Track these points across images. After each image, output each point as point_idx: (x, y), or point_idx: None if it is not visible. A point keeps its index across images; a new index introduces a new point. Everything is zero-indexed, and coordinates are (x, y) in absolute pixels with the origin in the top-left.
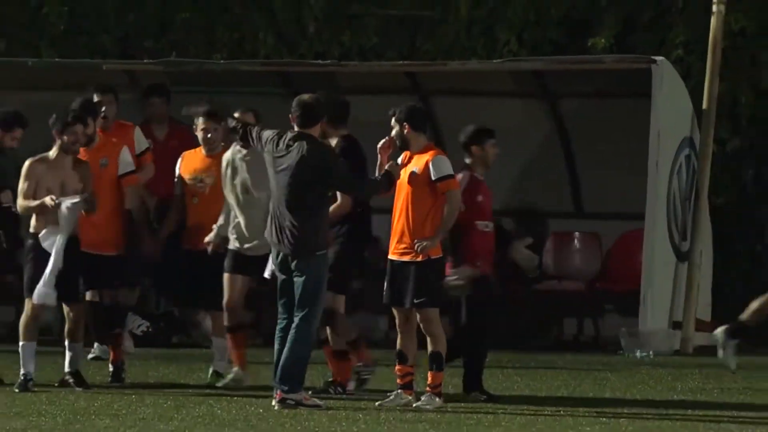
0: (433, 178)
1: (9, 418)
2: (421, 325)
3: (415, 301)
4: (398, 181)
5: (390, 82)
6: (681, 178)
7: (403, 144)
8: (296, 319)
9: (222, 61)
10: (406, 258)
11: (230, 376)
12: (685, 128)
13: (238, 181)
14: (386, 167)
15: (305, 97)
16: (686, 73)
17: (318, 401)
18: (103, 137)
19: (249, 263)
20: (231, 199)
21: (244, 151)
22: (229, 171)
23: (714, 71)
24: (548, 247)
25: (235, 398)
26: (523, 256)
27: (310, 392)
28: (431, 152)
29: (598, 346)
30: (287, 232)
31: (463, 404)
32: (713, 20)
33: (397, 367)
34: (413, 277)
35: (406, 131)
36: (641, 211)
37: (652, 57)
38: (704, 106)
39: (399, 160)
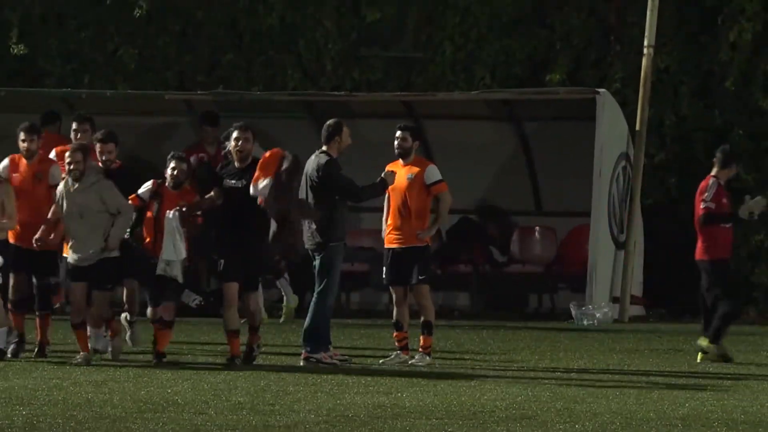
0: (427, 183)
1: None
2: (416, 299)
3: (416, 278)
4: (394, 186)
5: (391, 109)
6: (619, 183)
7: (403, 152)
8: (315, 294)
9: (259, 92)
10: (405, 245)
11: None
12: (622, 145)
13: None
14: (382, 176)
15: (329, 121)
16: (623, 102)
17: (336, 361)
18: (42, 154)
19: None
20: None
21: (77, 184)
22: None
23: (645, 100)
24: (514, 238)
25: (269, 356)
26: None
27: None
28: (425, 163)
29: (554, 316)
30: (312, 227)
31: (449, 361)
32: (644, 60)
33: (395, 334)
34: (414, 260)
35: (411, 143)
36: (588, 210)
37: (596, 89)
38: (637, 127)
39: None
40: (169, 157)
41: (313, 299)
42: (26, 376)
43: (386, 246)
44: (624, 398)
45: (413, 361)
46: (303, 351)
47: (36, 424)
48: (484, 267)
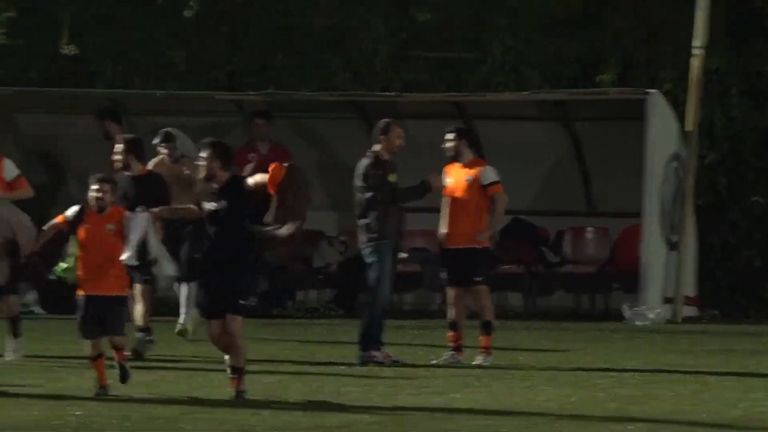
0: (483, 184)
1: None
2: (475, 299)
3: (475, 279)
4: (452, 187)
5: (440, 109)
6: (670, 184)
7: (455, 155)
8: (367, 293)
9: (308, 93)
10: (464, 246)
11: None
12: (673, 145)
13: None
14: (424, 179)
15: (380, 121)
16: (674, 102)
17: (389, 361)
18: None
19: None
20: None
21: None
22: None
23: (695, 101)
24: (567, 239)
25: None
26: None
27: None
28: (482, 164)
29: (607, 317)
30: (362, 226)
31: (502, 362)
32: (695, 61)
33: (449, 334)
34: (473, 261)
35: (460, 142)
36: (639, 210)
37: (647, 90)
38: (689, 128)
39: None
40: (91, 177)
41: (366, 299)
42: (79, 376)
43: (445, 247)
44: (677, 399)
45: (478, 362)
46: (358, 351)
47: (89, 424)
48: (536, 267)
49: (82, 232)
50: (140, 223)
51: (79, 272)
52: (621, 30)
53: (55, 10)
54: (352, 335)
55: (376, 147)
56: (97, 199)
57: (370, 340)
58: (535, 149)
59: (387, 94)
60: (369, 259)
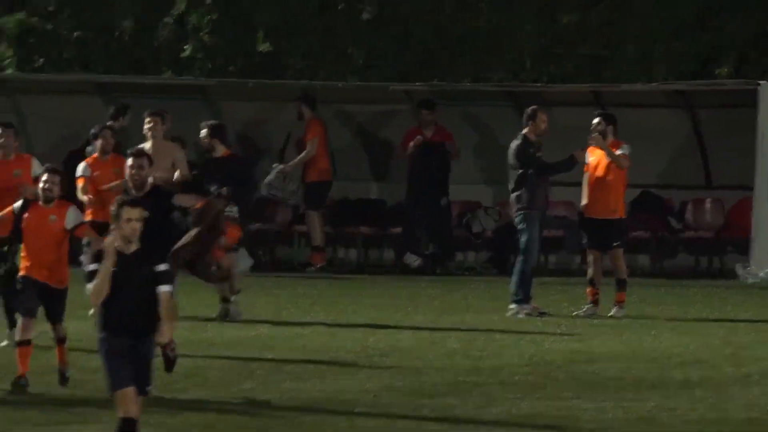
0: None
1: None
2: (611, 261)
3: (613, 243)
4: (594, 164)
5: (580, 98)
6: None
7: (600, 135)
8: (518, 255)
9: (468, 84)
10: (604, 216)
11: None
12: None
13: None
14: (573, 154)
15: (528, 108)
16: None
17: (536, 313)
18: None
19: None
20: None
21: None
22: None
23: None
24: (688, 208)
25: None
26: None
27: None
28: (619, 144)
29: (723, 275)
30: (513, 197)
31: (633, 313)
32: None
33: (588, 289)
34: (612, 228)
35: (606, 127)
36: (751, 184)
37: (758, 81)
38: None
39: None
40: (42, 169)
41: (517, 260)
42: (271, 324)
43: (587, 216)
44: None
45: (612, 313)
46: (510, 305)
47: (280, 367)
48: (662, 233)
49: (26, 221)
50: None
51: (23, 259)
52: (736, 30)
53: (252, 14)
54: (505, 291)
55: (526, 130)
56: (44, 190)
57: (520, 295)
58: (662, 133)
59: (535, 84)
60: (520, 226)
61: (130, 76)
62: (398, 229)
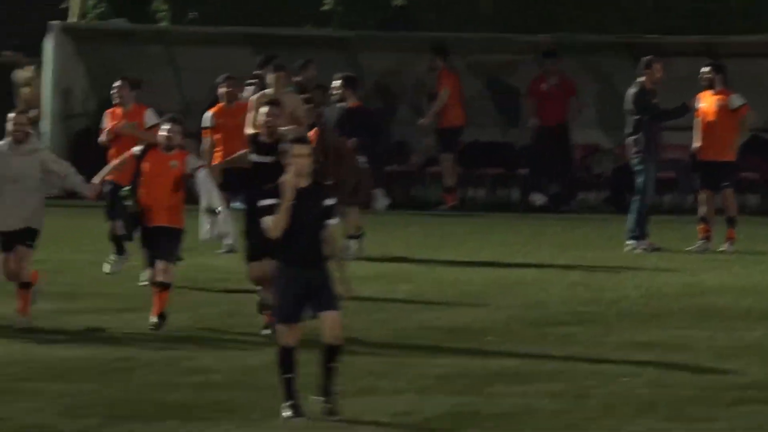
0: (732, 108)
1: None
2: (723, 200)
3: (723, 184)
4: (705, 110)
5: (693, 49)
6: None
7: (709, 84)
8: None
9: (588, 35)
10: (715, 158)
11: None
12: None
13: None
14: (685, 102)
15: (644, 57)
16: None
17: (650, 249)
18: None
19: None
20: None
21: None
22: None
23: None
24: None
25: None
26: None
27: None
28: (729, 92)
29: None
30: (629, 142)
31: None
32: None
33: (700, 227)
34: (723, 170)
35: (715, 75)
36: None
37: None
38: None
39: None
40: (163, 118)
41: (633, 199)
42: (405, 259)
43: (699, 158)
44: None
45: (723, 248)
46: (627, 241)
47: (417, 299)
48: None
49: (146, 166)
50: (203, 179)
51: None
52: None
53: None
54: (622, 229)
55: (641, 78)
56: (166, 138)
57: (636, 232)
58: None
59: (651, 36)
60: (636, 168)
61: (277, 28)
62: (524, 171)
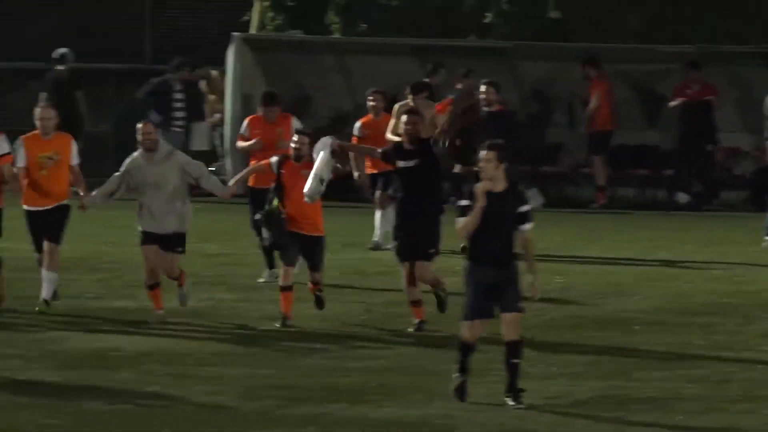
0: None
1: None
2: None
3: None
4: None
5: None
6: None
7: None
8: None
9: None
10: None
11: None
12: None
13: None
14: None
15: None
16: None
17: None
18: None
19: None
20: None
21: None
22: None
23: None
24: None
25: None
26: None
27: None
28: None
29: None
30: None
31: None
32: None
33: None
34: None
35: None
36: None
37: None
38: None
39: None
40: (295, 131)
41: None
42: (559, 256)
43: None
44: None
45: None
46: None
47: (569, 289)
48: None
49: (285, 176)
50: (323, 144)
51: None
52: None
53: None
54: (761, 225)
55: None
56: (294, 149)
57: None
58: None
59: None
60: None
61: (441, 39)
62: (670, 171)
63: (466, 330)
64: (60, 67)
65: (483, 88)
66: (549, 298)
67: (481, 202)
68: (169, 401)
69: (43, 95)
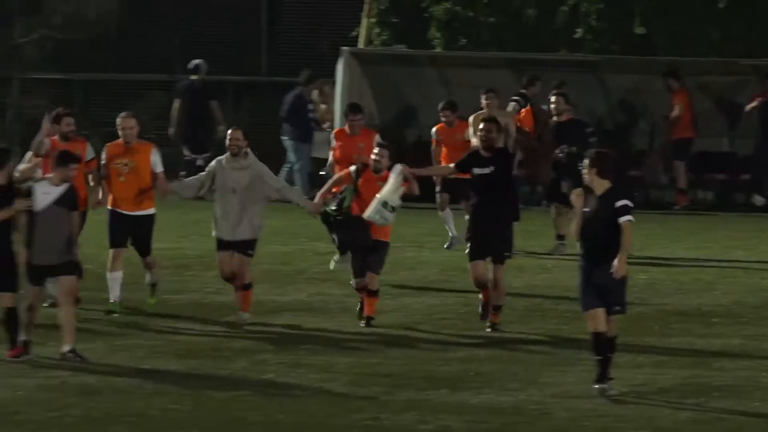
0: None
1: None
2: None
3: None
4: None
5: None
6: None
7: None
8: None
9: None
10: None
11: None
12: None
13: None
14: None
15: None
16: None
17: None
18: None
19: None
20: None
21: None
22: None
23: None
24: None
25: None
26: None
27: None
28: None
29: None
30: None
31: None
32: None
33: None
34: None
35: None
36: None
37: None
38: None
39: None
40: (376, 144)
41: None
42: (641, 256)
43: None
44: None
45: None
46: None
47: (637, 284)
48: None
49: (361, 184)
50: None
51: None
52: None
53: (631, 2)
54: None
55: None
56: (374, 161)
57: None
58: None
59: None
60: None
61: (535, 53)
62: (747, 176)
63: (590, 320)
64: (194, 77)
65: (552, 98)
66: (633, 293)
67: (579, 206)
68: (283, 389)
69: (176, 103)
